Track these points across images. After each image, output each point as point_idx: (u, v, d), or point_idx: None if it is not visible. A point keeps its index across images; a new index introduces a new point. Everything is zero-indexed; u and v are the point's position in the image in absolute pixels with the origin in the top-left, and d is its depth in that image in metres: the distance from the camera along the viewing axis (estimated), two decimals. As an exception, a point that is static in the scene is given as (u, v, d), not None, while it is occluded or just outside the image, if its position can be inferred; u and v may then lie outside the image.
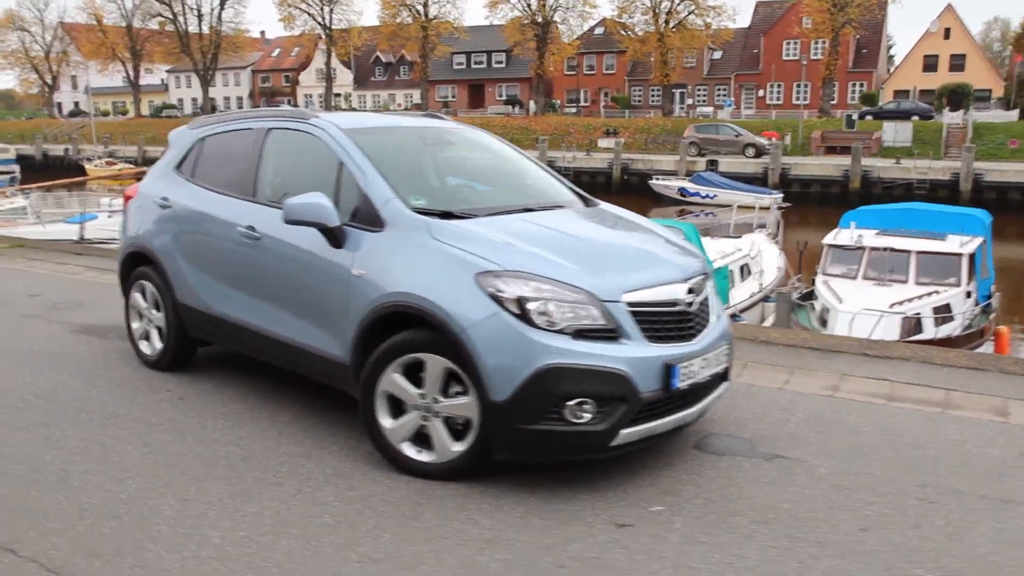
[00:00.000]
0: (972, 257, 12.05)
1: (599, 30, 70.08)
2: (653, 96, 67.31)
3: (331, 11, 67.50)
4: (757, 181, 35.61)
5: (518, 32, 60.77)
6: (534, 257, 3.66)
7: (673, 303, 3.78)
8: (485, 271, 3.58)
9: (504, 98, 71.95)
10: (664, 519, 3.47)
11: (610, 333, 3.55)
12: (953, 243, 12.24)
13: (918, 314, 10.72)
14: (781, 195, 30.46)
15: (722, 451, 4.21)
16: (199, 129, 5.46)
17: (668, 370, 3.62)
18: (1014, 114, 49.27)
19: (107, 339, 6.32)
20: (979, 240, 12.54)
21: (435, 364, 3.69)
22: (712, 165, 38.90)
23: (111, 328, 6.63)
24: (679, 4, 57.07)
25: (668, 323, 3.73)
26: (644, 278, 3.75)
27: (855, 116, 46.84)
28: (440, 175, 4.78)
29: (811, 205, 33.99)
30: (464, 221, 3.94)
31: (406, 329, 3.78)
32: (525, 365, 3.44)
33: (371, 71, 79.87)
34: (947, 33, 61.96)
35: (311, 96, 79.64)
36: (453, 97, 74.83)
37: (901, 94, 60.33)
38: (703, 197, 32.10)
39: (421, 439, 3.83)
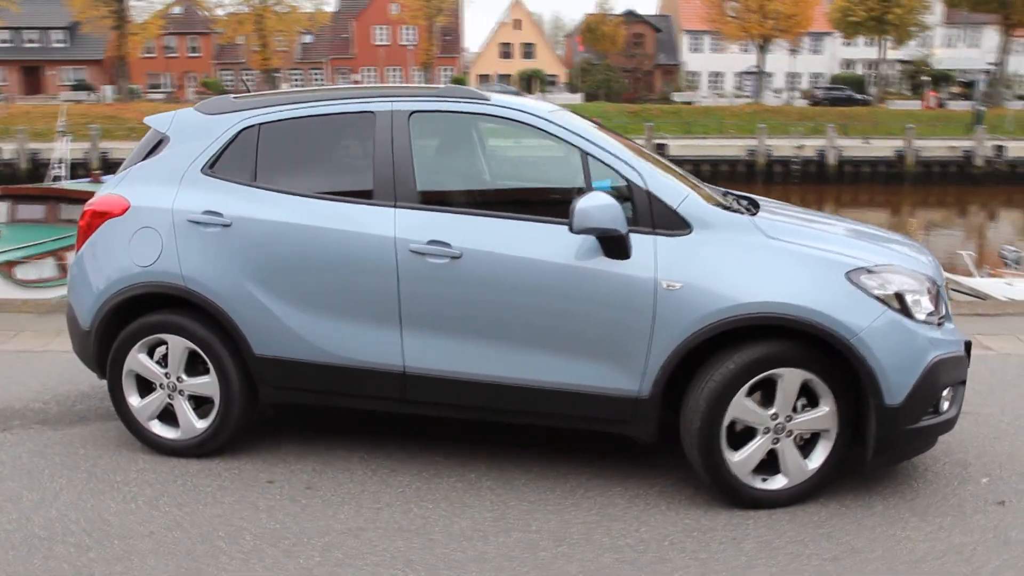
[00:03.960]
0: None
1: (178, 9, 64.59)
2: (247, 81, 64.24)
3: None
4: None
5: (89, 7, 53.30)
6: (879, 250, 3.51)
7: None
8: (858, 268, 3.31)
9: (71, 82, 62.68)
10: (1011, 488, 3.58)
11: (943, 318, 3.52)
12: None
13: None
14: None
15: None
16: (236, 115, 3.90)
17: (968, 348, 3.70)
18: (579, 97, 56.74)
19: (12, 431, 4.37)
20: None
21: (792, 378, 3.31)
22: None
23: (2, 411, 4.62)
24: (273, -17, 55.17)
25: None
26: (926, 261, 3.75)
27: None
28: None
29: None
30: (760, 217, 3.57)
31: (726, 347, 3.32)
32: (918, 363, 3.30)
33: None
34: (518, 24, 68.96)
35: None
36: (4, 81, 63.13)
37: (484, 78, 65.75)
38: None
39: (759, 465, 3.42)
